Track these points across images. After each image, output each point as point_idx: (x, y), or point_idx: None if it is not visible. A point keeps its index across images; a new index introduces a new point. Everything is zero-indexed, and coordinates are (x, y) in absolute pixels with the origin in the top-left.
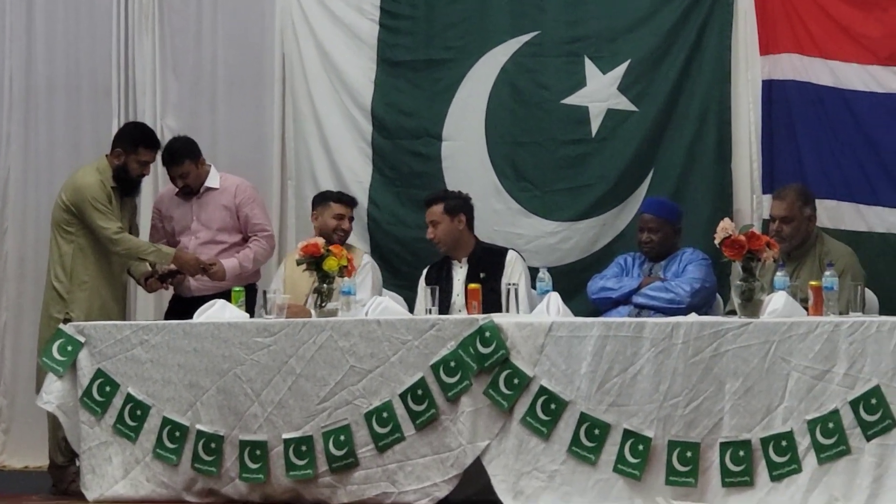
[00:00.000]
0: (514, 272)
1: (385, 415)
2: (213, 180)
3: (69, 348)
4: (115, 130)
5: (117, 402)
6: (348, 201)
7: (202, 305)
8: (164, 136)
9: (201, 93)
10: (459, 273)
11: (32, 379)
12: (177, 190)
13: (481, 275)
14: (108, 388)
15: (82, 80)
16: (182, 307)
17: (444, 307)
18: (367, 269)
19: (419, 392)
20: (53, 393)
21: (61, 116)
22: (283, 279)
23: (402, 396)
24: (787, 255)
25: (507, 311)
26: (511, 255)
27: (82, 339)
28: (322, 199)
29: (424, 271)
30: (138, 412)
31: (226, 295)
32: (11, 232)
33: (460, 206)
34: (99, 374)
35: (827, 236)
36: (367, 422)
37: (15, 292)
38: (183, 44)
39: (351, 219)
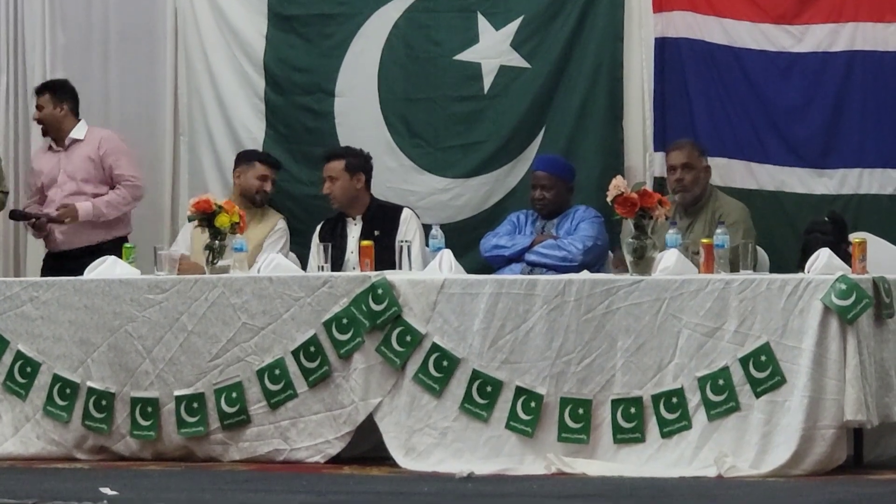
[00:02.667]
0: (408, 230)
1: (277, 372)
2: (78, 132)
3: None
4: (3, 86)
5: (6, 359)
6: (273, 163)
7: (74, 260)
8: None
9: (92, 47)
10: (353, 230)
11: None
12: (48, 147)
13: (375, 232)
14: None
15: None
16: (57, 263)
17: (338, 264)
18: (279, 233)
19: (311, 349)
20: None
21: None
22: (192, 236)
23: (295, 353)
24: (683, 211)
25: (401, 268)
26: (406, 213)
27: None
28: (247, 158)
29: (318, 227)
30: (28, 369)
31: (98, 250)
32: None
33: (360, 164)
34: None
35: (721, 193)
36: (259, 379)
37: None
38: None
39: (273, 181)
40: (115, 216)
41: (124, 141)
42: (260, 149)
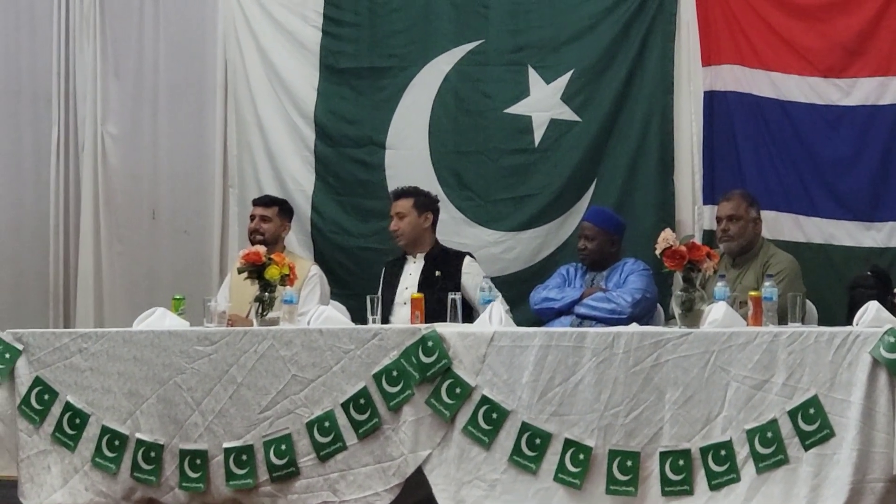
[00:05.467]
0: (471, 276)
1: (327, 424)
2: None
3: (7, 356)
4: (55, 137)
5: (56, 410)
6: (263, 202)
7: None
8: (105, 144)
9: (143, 99)
10: (412, 267)
11: None
12: None
13: (436, 273)
14: (46, 397)
15: (22, 86)
16: None
17: (390, 301)
18: (314, 281)
19: (361, 401)
20: None
21: (0, 122)
22: (230, 288)
23: (345, 406)
24: (731, 262)
25: (451, 320)
26: (467, 260)
27: (20, 347)
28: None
29: (383, 270)
30: (77, 420)
31: None
32: None
33: (429, 204)
34: (37, 381)
35: (772, 245)
36: (308, 431)
37: None
38: (125, 50)
39: (267, 219)
40: None
41: None
42: (310, 201)
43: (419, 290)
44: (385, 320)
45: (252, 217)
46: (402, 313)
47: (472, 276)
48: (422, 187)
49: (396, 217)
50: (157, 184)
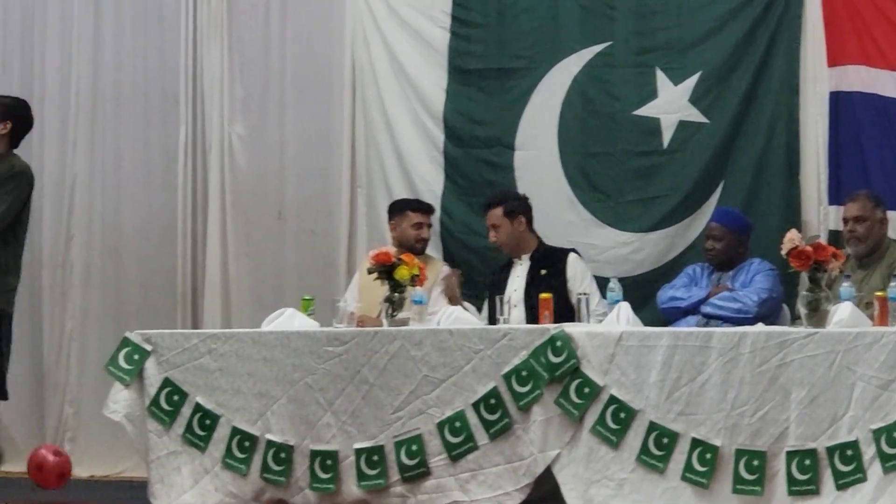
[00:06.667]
0: (576, 273)
1: (458, 424)
2: None
3: (135, 357)
4: (182, 137)
5: (186, 411)
6: (426, 209)
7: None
8: (233, 144)
9: (269, 99)
10: (519, 269)
11: (98, 388)
12: None
13: (542, 271)
14: (175, 398)
15: (150, 87)
16: None
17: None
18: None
19: (492, 401)
20: (120, 402)
21: (128, 123)
22: (359, 288)
23: (475, 406)
24: (858, 263)
25: (579, 319)
26: (572, 256)
27: (149, 348)
28: (399, 208)
29: (492, 278)
30: (207, 422)
31: None
32: (77, 240)
33: (519, 207)
34: (166, 382)
35: None
36: (439, 431)
37: (81, 300)
38: (251, 50)
39: (429, 226)
40: None
41: None
42: (439, 202)
43: (527, 291)
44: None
45: (419, 225)
46: (513, 315)
47: (576, 272)
48: (549, 189)
49: (492, 229)
50: (284, 184)
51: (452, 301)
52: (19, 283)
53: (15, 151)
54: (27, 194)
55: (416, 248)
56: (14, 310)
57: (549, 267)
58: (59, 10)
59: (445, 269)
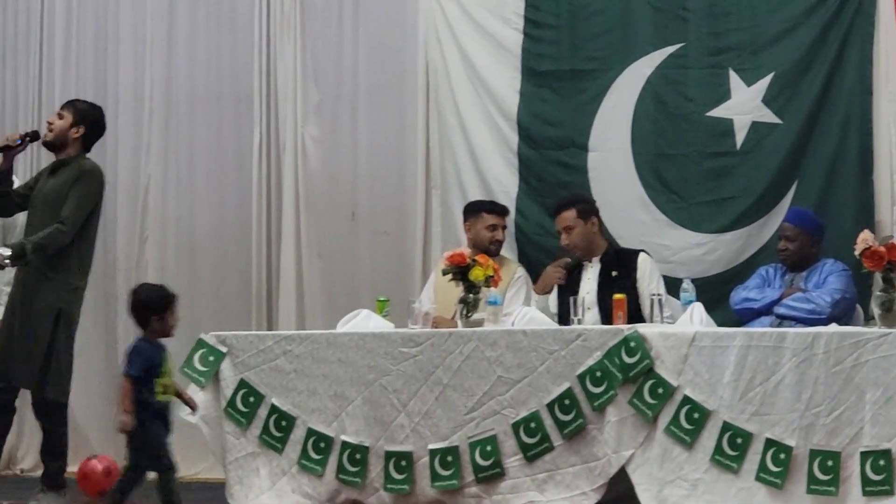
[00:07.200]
0: (647, 273)
1: (533, 425)
2: None
3: (211, 358)
4: (256, 139)
5: (262, 412)
6: (500, 210)
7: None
8: (307, 145)
9: (343, 101)
10: (590, 272)
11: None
12: None
13: (613, 273)
14: (251, 399)
15: (223, 88)
16: None
17: (566, 308)
18: (520, 282)
19: (566, 402)
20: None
21: (202, 124)
22: (434, 289)
23: (550, 406)
24: None
25: (652, 320)
26: (642, 257)
27: (224, 349)
28: (474, 210)
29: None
30: (283, 423)
31: None
32: (151, 241)
33: (592, 208)
34: (242, 384)
35: None
36: (514, 432)
37: None
38: (324, 51)
39: (504, 228)
40: None
41: None
42: (513, 203)
43: (599, 293)
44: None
45: (493, 227)
46: (587, 318)
47: (646, 272)
48: (623, 190)
49: (564, 232)
50: (357, 185)
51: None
52: (86, 285)
53: (87, 155)
54: (98, 194)
55: (490, 249)
56: (79, 311)
57: (620, 268)
58: (132, 13)
59: (520, 270)
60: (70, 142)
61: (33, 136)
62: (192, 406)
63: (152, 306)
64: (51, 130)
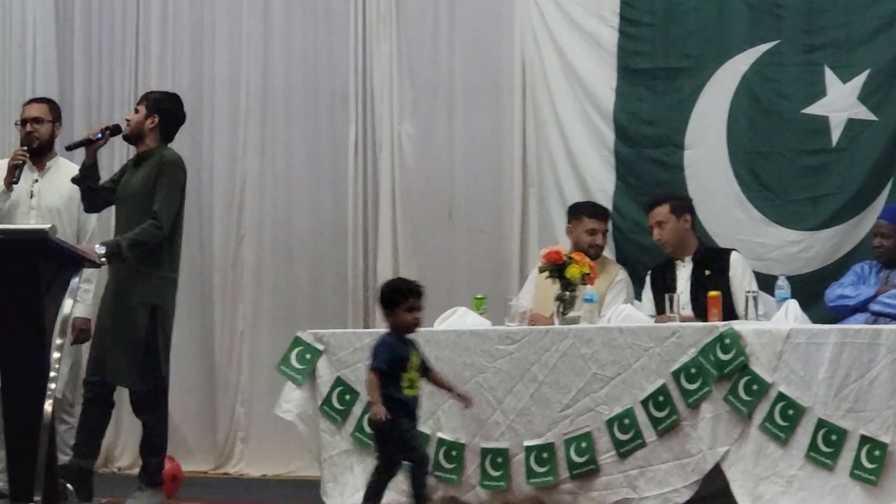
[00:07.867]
0: (739, 271)
1: (627, 421)
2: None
3: (308, 356)
4: (352, 137)
5: (357, 410)
6: (601, 215)
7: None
8: (403, 143)
9: (439, 99)
10: (683, 271)
11: (269, 388)
12: None
13: (706, 272)
14: (347, 397)
15: (320, 87)
16: None
17: (662, 307)
18: (621, 285)
19: (660, 399)
20: (292, 402)
21: (298, 123)
22: (535, 286)
23: (644, 403)
24: None
25: (746, 317)
26: (735, 255)
27: (321, 347)
28: (576, 213)
29: (649, 273)
30: None
31: None
32: (248, 239)
33: (685, 206)
34: (338, 382)
35: None
36: (608, 428)
37: (252, 300)
38: (420, 50)
39: (604, 232)
40: None
41: None
42: (611, 201)
43: (692, 291)
44: None
45: (593, 231)
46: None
47: (739, 270)
48: (719, 188)
49: (657, 227)
50: (454, 183)
51: None
52: (178, 276)
53: (169, 145)
54: (182, 182)
55: (589, 252)
56: (174, 303)
57: (713, 267)
58: (228, 11)
59: (622, 273)
60: (147, 133)
61: (114, 129)
62: (467, 400)
63: (396, 298)
64: (129, 125)
